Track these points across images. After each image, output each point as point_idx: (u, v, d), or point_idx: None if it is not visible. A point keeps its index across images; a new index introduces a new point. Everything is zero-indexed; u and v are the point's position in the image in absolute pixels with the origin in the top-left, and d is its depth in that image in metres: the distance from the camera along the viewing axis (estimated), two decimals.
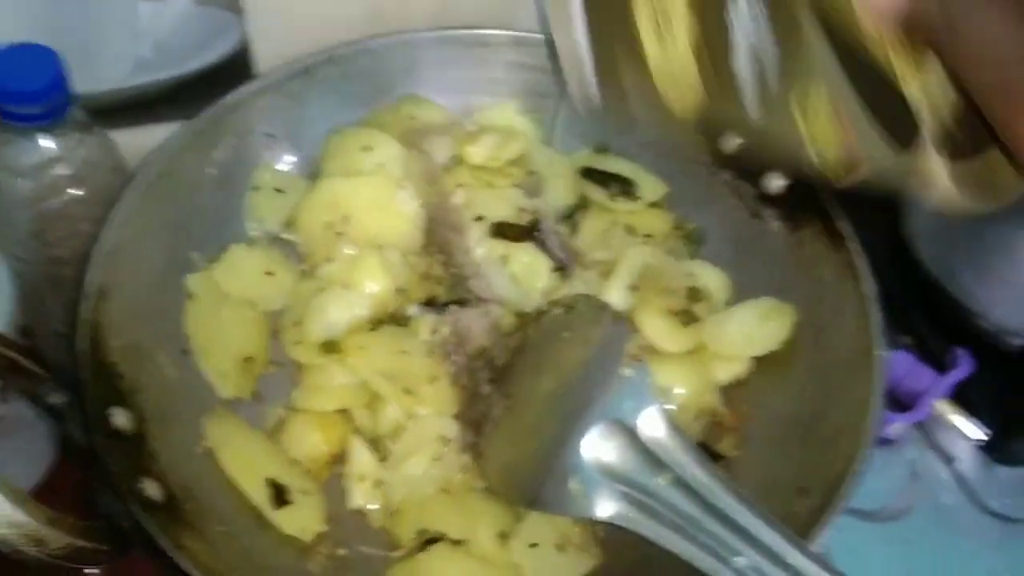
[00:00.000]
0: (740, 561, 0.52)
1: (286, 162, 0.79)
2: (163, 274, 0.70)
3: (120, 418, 0.59)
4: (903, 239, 0.87)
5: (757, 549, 0.52)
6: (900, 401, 0.81)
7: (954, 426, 0.79)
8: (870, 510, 0.76)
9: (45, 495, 0.69)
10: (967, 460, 0.80)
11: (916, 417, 0.79)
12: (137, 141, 0.74)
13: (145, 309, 0.67)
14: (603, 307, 0.67)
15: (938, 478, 0.80)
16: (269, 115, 0.76)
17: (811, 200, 0.72)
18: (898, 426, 0.79)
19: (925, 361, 0.81)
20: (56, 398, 0.57)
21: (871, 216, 0.84)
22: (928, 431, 0.82)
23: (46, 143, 0.67)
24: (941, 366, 0.81)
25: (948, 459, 0.80)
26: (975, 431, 0.78)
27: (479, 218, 0.75)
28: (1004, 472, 0.80)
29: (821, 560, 0.51)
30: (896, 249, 0.87)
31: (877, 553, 0.74)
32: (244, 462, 0.65)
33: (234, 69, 0.82)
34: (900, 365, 0.81)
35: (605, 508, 0.57)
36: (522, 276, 0.74)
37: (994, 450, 0.80)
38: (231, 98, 0.74)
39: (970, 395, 0.80)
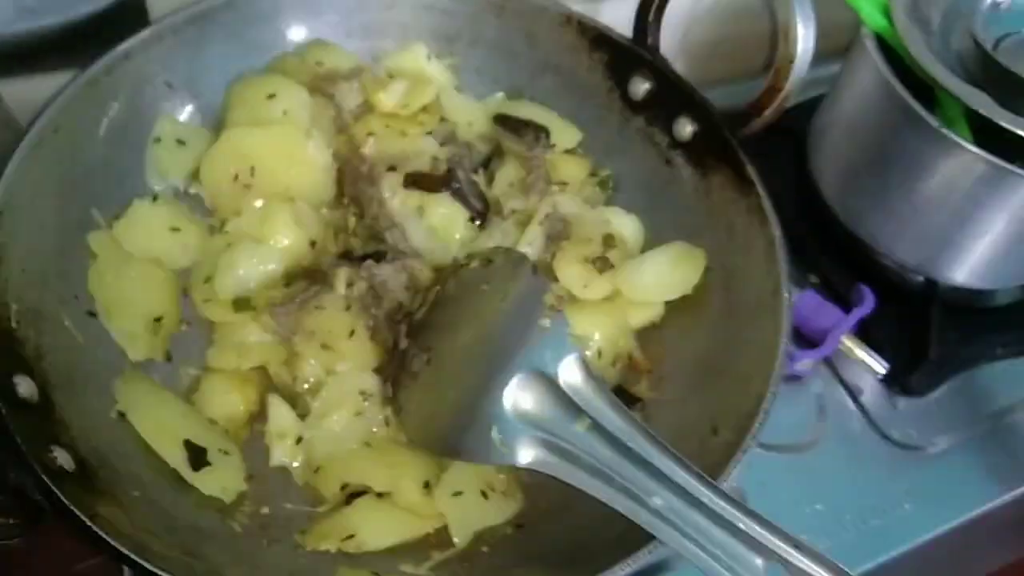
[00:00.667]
0: (656, 501, 0.54)
1: (187, 113, 0.76)
2: (62, 233, 0.67)
3: (24, 386, 0.57)
4: (807, 180, 0.89)
5: (672, 490, 0.54)
6: (807, 338, 0.84)
7: (859, 361, 0.82)
8: (779, 443, 0.79)
9: None
10: (870, 393, 0.84)
11: (823, 353, 0.82)
12: (26, 93, 0.70)
13: (45, 271, 0.64)
14: (522, 259, 0.67)
15: (843, 411, 0.83)
16: (167, 63, 0.73)
17: (720, 146, 0.73)
18: (806, 362, 0.82)
19: (830, 299, 0.85)
20: None
21: (776, 157, 0.86)
22: (834, 366, 0.85)
23: None
24: (846, 304, 0.84)
25: (853, 393, 0.84)
26: (878, 365, 0.82)
27: (392, 168, 0.74)
28: (904, 403, 0.84)
29: (732, 499, 0.53)
30: (801, 189, 0.90)
31: (786, 484, 0.77)
32: (159, 425, 0.64)
33: (127, 14, 0.77)
34: (807, 304, 0.84)
35: (526, 455, 0.58)
36: (439, 227, 0.74)
37: (895, 383, 0.84)
38: (125, 45, 0.70)
39: (873, 331, 0.84)
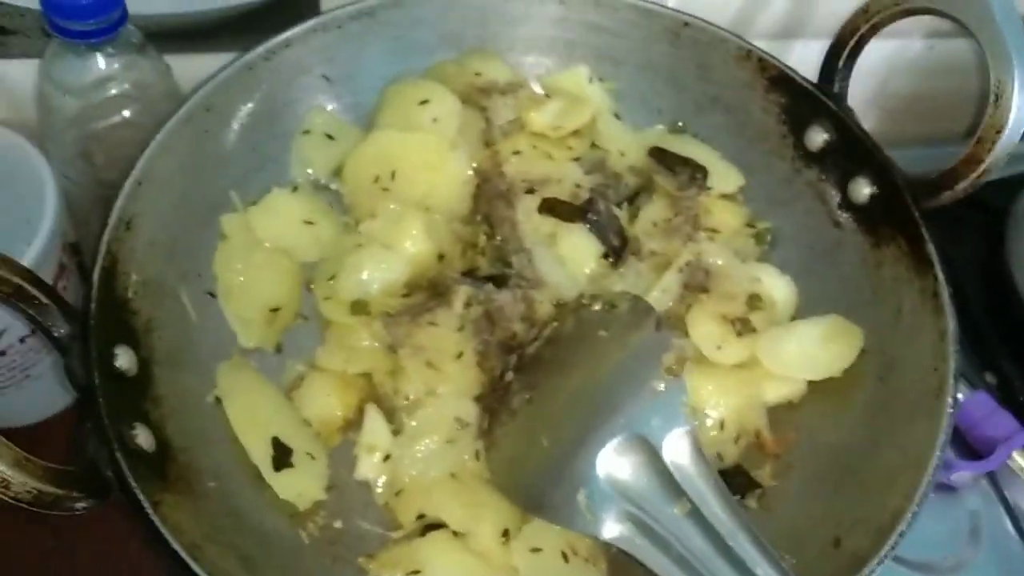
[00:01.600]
0: None
1: (340, 108, 0.75)
2: (197, 210, 0.67)
3: (124, 358, 0.57)
4: (1000, 265, 0.79)
5: None
6: (971, 446, 0.73)
7: None
8: (919, 560, 0.69)
9: (40, 436, 0.69)
10: None
11: (988, 467, 0.72)
12: (194, 69, 0.71)
13: (173, 245, 0.65)
14: (648, 310, 0.62)
15: (1002, 535, 0.73)
16: (327, 56, 0.72)
17: (899, 215, 0.64)
18: (964, 474, 0.72)
19: (1006, 406, 0.74)
20: (62, 329, 0.55)
21: (963, 232, 0.77)
22: (997, 482, 0.74)
23: (97, 61, 0.65)
24: (1022, 412, 0.73)
25: (1016, 516, 0.73)
26: None
27: (531, 190, 0.70)
28: None
29: None
30: (989, 275, 0.80)
31: None
32: (251, 417, 0.63)
33: (302, 3, 0.78)
34: (978, 406, 0.74)
35: (611, 529, 0.53)
36: (569, 258, 0.69)
37: None
38: (288, 34, 0.70)
39: None
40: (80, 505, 0.49)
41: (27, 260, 0.61)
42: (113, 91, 0.67)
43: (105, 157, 0.69)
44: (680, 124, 0.76)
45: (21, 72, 0.75)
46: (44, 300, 0.53)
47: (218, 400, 0.63)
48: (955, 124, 0.89)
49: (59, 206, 0.66)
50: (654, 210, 0.72)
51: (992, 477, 0.74)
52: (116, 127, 0.68)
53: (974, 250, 0.81)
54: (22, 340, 0.65)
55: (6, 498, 0.44)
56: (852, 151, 0.68)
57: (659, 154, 0.73)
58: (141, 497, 0.50)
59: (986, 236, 0.81)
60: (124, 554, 0.65)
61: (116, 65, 0.66)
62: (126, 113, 0.68)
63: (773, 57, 0.71)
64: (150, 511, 0.49)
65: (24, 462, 0.45)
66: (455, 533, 0.60)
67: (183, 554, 0.48)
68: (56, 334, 0.55)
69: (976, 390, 0.75)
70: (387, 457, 0.63)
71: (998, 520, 0.73)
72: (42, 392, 0.71)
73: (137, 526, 0.50)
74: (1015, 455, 0.71)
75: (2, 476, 0.44)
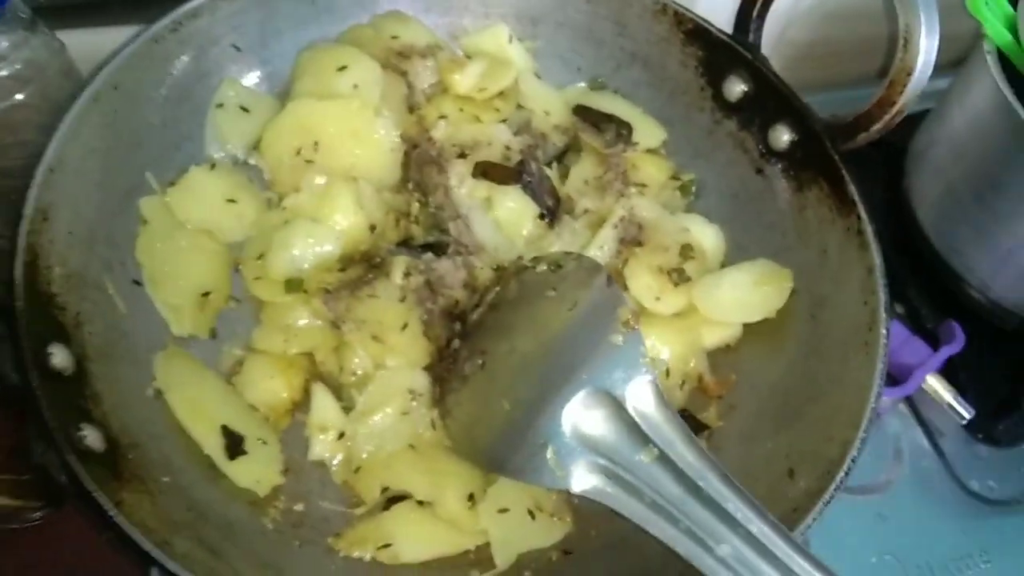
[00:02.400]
0: (724, 549, 0.49)
1: (254, 79, 0.72)
2: (114, 196, 0.63)
3: (59, 356, 0.54)
4: (901, 200, 0.83)
5: (743, 539, 0.49)
6: (890, 374, 0.78)
7: (942, 403, 0.76)
8: (851, 485, 0.73)
9: None
10: (952, 439, 0.78)
11: (906, 392, 0.76)
12: (90, 45, 0.66)
13: (93, 234, 0.61)
14: (596, 268, 0.62)
15: (921, 455, 0.77)
16: (236, 24, 0.69)
17: (819, 159, 0.67)
18: (885, 400, 0.76)
19: (916, 332, 0.78)
20: None
21: (866, 170, 0.80)
22: (915, 406, 0.79)
23: None
24: (932, 339, 0.78)
25: (933, 435, 0.78)
26: (962, 410, 0.76)
27: (462, 155, 0.69)
28: (988, 453, 0.77)
29: (813, 558, 0.47)
30: (891, 210, 0.83)
31: (853, 529, 0.72)
32: (197, 407, 0.60)
33: None
34: (894, 337, 0.77)
35: (582, 481, 0.53)
36: (506, 222, 0.69)
37: (980, 430, 0.77)
38: (195, 3, 0.66)
39: (959, 371, 0.77)
40: (37, 515, 0.46)
41: None
42: (3, 72, 0.62)
43: (0, 143, 0.64)
44: (600, 81, 0.77)
45: None
46: None
47: (159, 392, 0.60)
48: (849, 70, 0.92)
49: None
50: (584, 168, 0.73)
51: (911, 402, 0.79)
52: (9, 111, 0.63)
53: (879, 187, 0.84)
54: None
55: None
56: (770, 99, 0.70)
57: (584, 112, 0.74)
58: (102, 500, 0.47)
59: (889, 173, 0.84)
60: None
61: (4, 44, 0.61)
62: (19, 96, 0.63)
63: (689, 10, 0.72)
64: (113, 513, 0.47)
65: None
66: (420, 503, 0.60)
67: (155, 553, 0.47)
68: None
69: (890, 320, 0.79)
70: (340, 435, 0.63)
71: (917, 441, 0.78)
72: None
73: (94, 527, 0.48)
74: (929, 379, 0.76)
75: None
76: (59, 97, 0.62)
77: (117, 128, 0.63)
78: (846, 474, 0.54)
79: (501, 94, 0.73)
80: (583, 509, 0.62)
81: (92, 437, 0.52)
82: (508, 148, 0.70)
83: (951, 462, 0.77)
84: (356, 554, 0.58)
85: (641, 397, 0.54)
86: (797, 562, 0.47)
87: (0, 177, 0.64)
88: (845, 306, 0.63)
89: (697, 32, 0.72)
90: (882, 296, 0.60)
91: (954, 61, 0.78)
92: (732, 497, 0.50)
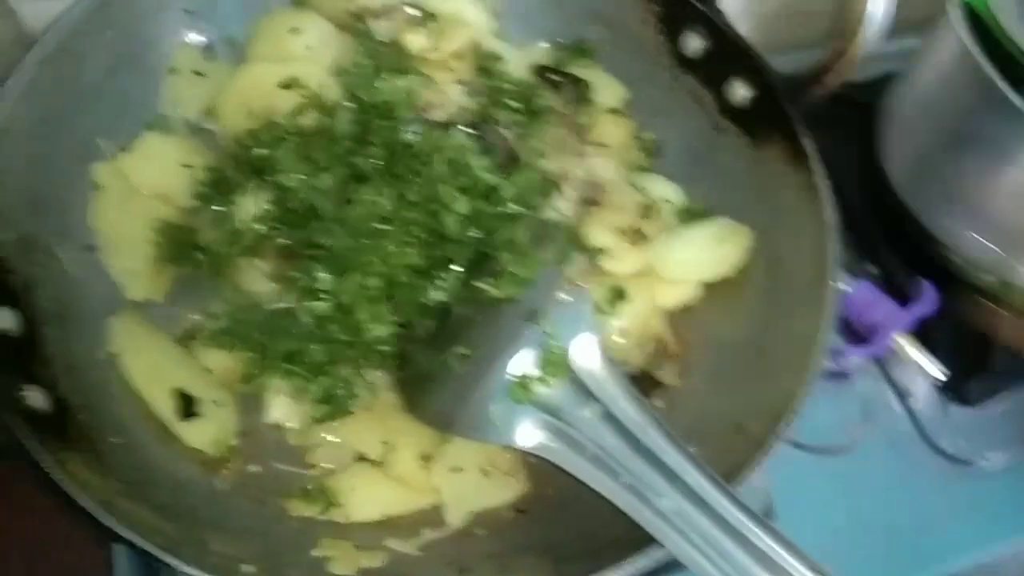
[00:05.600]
0: (663, 503, 0.49)
1: (207, 43, 0.71)
2: (65, 161, 0.63)
3: (6, 319, 0.54)
4: (874, 162, 0.82)
5: (682, 492, 0.49)
6: (859, 333, 0.77)
7: (912, 362, 0.75)
8: (817, 444, 0.73)
9: None
10: (921, 399, 0.77)
11: (873, 351, 0.76)
12: (42, 9, 0.66)
13: (43, 199, 0.61)
14: (549, 226, 0.62)
15: (890, 415, 0.77)
16: None
17: (775, 114, 0.66)
18: (853, 359, 0.76)
19: (888, 293, 0.78)
20: None
21: (841, 131, 0.79)
22: (884, 366, 0.78)
23: None
24: (904, 299, 0.77)
25: (903, 396, 0.77)
26: (933, 369, 0.75)
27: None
28: (958, 412, 0.77)
29: (748, 509, 0.47)
30: (865, 170, 0.82)
31: (819, 488, 0.71)
32: (150, 370, 0.61)
33: None
34: (861, 296, 0.77)
35: (526, 437, 0.53)
36: None
37: (951, 390, 0.77)
38: None
39: (931, 332, 0.77)
40: None
41: None
42: None
43: None
44: (561, 40, 0.76)
45: None
46: None
47: (111, 356, 0.60)
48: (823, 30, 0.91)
49: None
50: (542, 128, 0.72)
51: (880, 362, 0.78)
52: None
53: (852, 149, 0.83)
54: None
55: None
56: (727, 55, 0.69)
57: (543, 71, 0.73)
58: (40, 457, 0.47)
59: (860, 134, 0.83)
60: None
61: None
62: None
63: None
64: (51, 470, 0.47)
65: None
66: (374, 463, 0.60)
67: (93, 509, 0.47)
68: None
69: (859, 280, 0.78)
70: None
71: (886, 401, 0.77)
72: None
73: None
74: (897, 337, 0.76)
75: None
76: (10, 64, 0.62)
77: (66, 93, 0.63)
78: (787, 425, 0.53)
79: (457, 55, 0.72)
80: (539, 468, 0.61)
81: (35, 397, 0.52)
82: (463, 109, 0.70)
83: (921, 422, 0.76)
84: (308, 514, 0.58)
85: (586, 354, 0.54)
86: (733, 514, 0.47)
87: None
88: (801, 261, 0.63)
89: None
90: (831, 249, 0.60)
91: (923, 20, 0.76)
92: (671, 450, 0.50)
